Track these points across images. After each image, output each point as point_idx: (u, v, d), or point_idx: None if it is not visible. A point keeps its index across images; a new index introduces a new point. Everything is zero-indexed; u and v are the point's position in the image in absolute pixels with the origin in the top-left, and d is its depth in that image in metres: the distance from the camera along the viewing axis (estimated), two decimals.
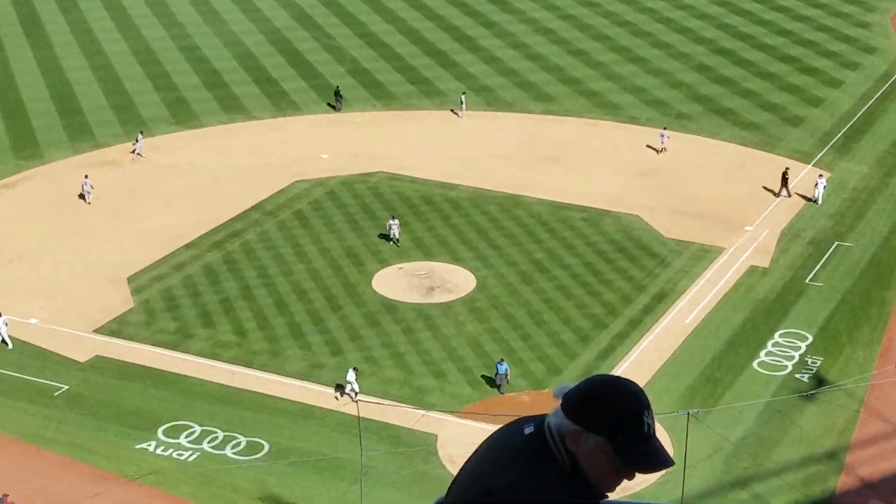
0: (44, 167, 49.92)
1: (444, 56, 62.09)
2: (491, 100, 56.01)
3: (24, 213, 45.62)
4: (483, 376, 35.22)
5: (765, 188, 46.63)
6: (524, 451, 3.29)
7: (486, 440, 3.46)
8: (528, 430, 3.32)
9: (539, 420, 3.36)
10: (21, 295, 39.63)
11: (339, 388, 34.60)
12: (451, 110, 55.19)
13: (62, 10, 69.56)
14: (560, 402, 3.30)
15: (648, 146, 50.67)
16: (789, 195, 46.14)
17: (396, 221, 43.28)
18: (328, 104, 56.64)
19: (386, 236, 43.17)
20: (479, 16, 67.91)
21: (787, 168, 46.82)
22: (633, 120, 53.76)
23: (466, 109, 54.37)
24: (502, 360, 34.62)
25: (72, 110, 55.47)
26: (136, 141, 50.58)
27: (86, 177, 46.26)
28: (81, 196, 46.02)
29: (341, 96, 56.11)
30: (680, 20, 65.70)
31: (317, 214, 45.86)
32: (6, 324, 36.82)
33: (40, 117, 54.54)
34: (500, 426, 3.49)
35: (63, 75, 59.67)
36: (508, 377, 34.40)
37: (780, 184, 46.41)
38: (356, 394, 33.89)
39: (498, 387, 34.52)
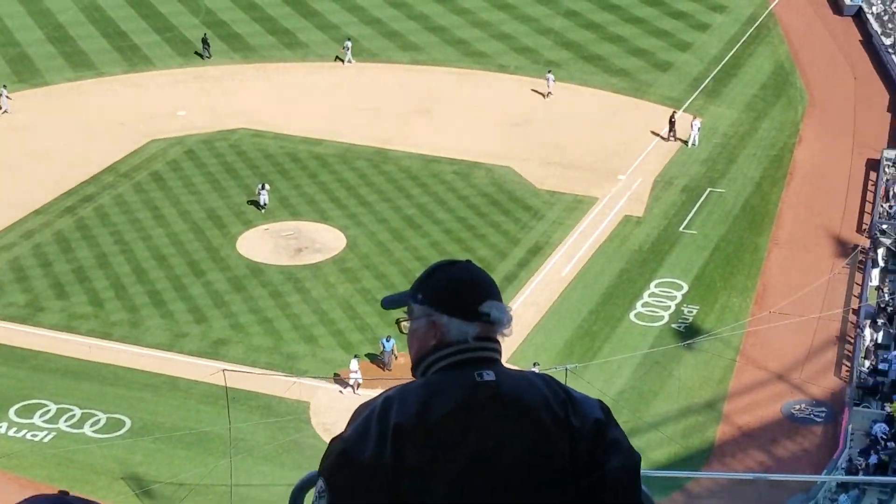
0: None
1: (305, 5, 60.66)
2: (356, 50, 55.30)
3: None
4: (368, 354, 34.46)
5: (650, 134, 47.00)
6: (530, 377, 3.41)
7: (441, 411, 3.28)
8: (487, 376, 3.31)
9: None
10: None
11: (340, 380, 33.59)
12: (337, 58, 54.44)
13: None
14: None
15: (535, 91, 50.58)
16: (679, 139, 46.65)
17: (267, 188, 42.26)
18: (196, 53, 55.46)
19: (255, 203, 42.22)
20: None
21: (674, 111, 47.41)
22: (502, 68, 53.47)
23: (351, 57, 53.94)
24: (389, 336, 34.21)
25: None
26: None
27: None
28: None
29: (209, 44, 54.95)
30: None
31: (175, 175, 44.87)
32: None
33: None
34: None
35: None
36: (396, 353, 34.07)
37: (668, 127, 46.96)
38: (358, 385, 33.04)
39: (384, 364, 34.00)
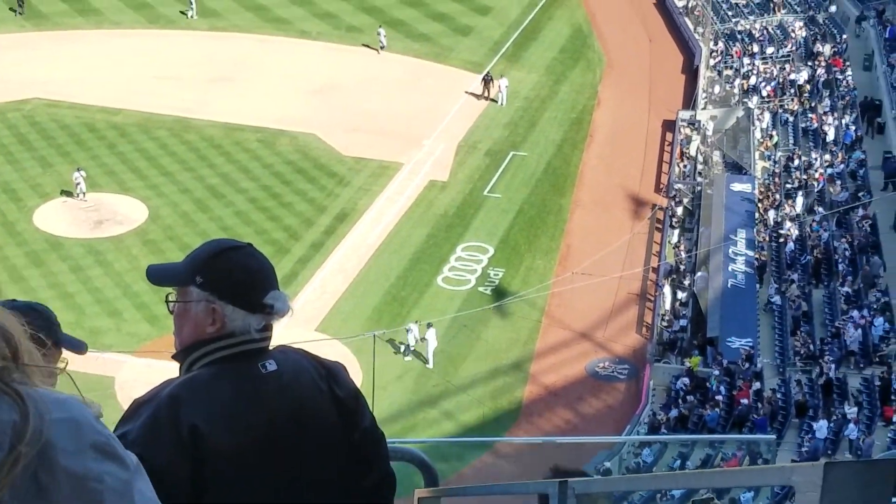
0: None
1: None
2: (151, 17, 54.49)
3: None
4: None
5: (452, 99, 47.60)
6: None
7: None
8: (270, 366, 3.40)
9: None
10: None
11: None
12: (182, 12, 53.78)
13: None
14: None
15: (342, 55, 50.60)
16: (491, 98, 47.36)
17: (82, 173, 40.80)
18: (10, 9, 54.09)
19: (69, 192, 40.86)
20: None
21: (487, 72, 48.19)
22: (304, 34, 53.37)
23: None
24: None
25: None
26: None
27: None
28: None
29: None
30: None
31: None
32: None
33: None
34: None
35: None
36: None
37: (483, 86, 47.74)
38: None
39: None
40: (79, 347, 4.19)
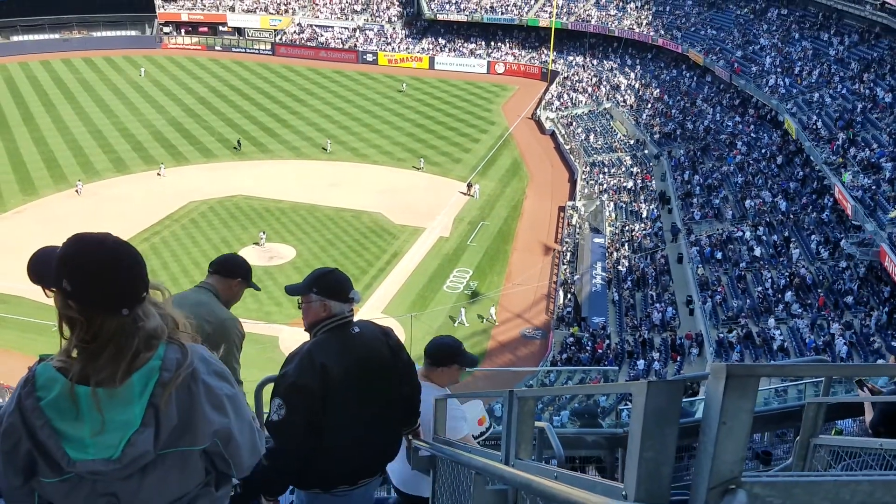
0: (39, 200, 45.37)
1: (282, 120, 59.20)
2: (300, 154, 54.31)
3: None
4: None
5: (453, 194, 47.14)
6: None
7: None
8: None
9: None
10: None
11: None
12: (324, 148, 53.15)
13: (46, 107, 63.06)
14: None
15: (397, 174, 50.44)
16: (471, 195, 46.88)
17: (264, 234, 40.30)
18: (233, 147, 53.36)
19: (256, 243, 40.20)
20: None
21: (469, 181, 48.21)
22: (375, 162, 52.87)
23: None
24: None
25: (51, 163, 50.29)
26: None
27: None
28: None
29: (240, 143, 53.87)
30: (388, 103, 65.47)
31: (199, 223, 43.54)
32: None
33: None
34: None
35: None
36: None
37: (467, 189, 47.53)
38: None
39: None
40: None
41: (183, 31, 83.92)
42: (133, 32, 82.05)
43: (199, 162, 51.77)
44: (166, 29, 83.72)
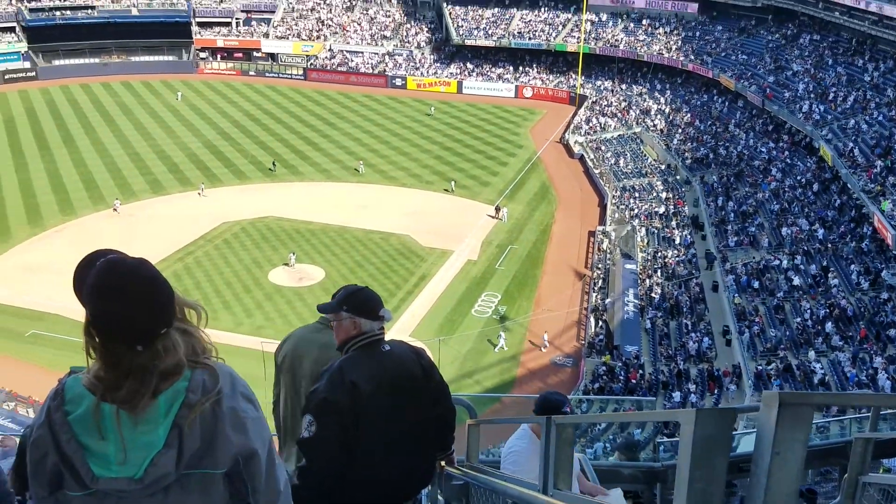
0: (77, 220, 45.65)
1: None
2: (332, 176, 54.19)
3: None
4: None
5: (481, 217, 46.64)
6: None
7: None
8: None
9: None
10: None
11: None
12: (356, 169, 53.14)
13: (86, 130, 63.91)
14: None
15: (425, 195, 50.07)
16: (500, 218, 46.27)
17: (294, 255, 40.04)
18: (269, 168, 53.60)
19: (286, 264, 39.92)
20: None
21: (497, 204, 47.51)
22: (405, 185, 52.63)
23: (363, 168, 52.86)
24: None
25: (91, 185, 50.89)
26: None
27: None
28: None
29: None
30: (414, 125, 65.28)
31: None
32: None
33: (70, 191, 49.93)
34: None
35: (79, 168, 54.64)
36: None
37: (495, 212, 46.90)
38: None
39: None
40: None
41: (219, 56, 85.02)
42: (171, 57, 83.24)
43: (232, 183, 51.86)
44: (202, 54, 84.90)
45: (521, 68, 78.15)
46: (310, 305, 36.08)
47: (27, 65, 78.01)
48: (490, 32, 79.27)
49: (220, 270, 39.31)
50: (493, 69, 78.62)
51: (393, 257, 41.43)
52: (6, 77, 75.73)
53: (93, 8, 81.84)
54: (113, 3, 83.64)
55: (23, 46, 78.24)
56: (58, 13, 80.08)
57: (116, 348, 1.90)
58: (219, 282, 38.06)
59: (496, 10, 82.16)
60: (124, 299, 1.86)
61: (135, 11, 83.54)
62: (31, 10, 79.52)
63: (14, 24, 79.27)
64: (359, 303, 3.48)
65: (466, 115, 69.16)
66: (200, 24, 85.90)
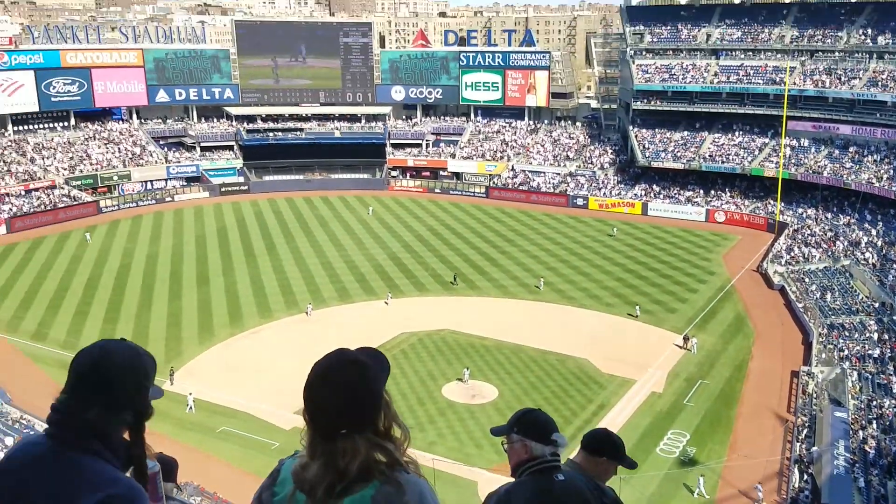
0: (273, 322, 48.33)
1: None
2: (507, 293, 53.92)
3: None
4: None
5: (667, 346, 43.98)
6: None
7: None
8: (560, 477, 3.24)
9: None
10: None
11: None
12: (536, 286, 53.28)
13: (268, 247, 69.08)
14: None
15: (609, 321, 48.39)
16: (688, 349, 43.46)
17: (468, 371, 39.84)
18: (450, 282, 54.47)
19: (459, 379, 39.74)
20: None
21: (685, 334, 44.80)
22: (582, 305, 51.26)
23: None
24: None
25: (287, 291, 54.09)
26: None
27: None
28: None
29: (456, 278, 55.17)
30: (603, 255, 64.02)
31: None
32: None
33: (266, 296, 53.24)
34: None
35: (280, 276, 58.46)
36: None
37: (683, 342, 44.19)
38: None
39: None
40: None
41: (408, 174, 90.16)
42: (365, 175, 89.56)
43: (412, 295, 53.00)
44: (394, 173, 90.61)
45: (712, 192, 75.32)
46: (481, 425, 34.97)
47: (241, 179, 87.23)
48: (678, 155, 77.71)
49: (397, 381, 39.23)
50: (682, 192, 76.40)
51: (570, 381, 39.55)
52: (222, 190, 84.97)
53: (301, 130, 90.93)
54: (318, 126, 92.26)
55: (238, 163, 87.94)
56: (271, 134, 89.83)
57: (312, 437, 2.10)
58: (394, 392, 37.07)
59: (685, 132, 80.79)
60: (324, 388, 2.10)
61: (337, 134, 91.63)
62: (248, 131, 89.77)
63: (233, 143, 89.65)
64: (529, 424, 3.34)
65: (651, 237, 67.10)
66: (394, 146, 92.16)
